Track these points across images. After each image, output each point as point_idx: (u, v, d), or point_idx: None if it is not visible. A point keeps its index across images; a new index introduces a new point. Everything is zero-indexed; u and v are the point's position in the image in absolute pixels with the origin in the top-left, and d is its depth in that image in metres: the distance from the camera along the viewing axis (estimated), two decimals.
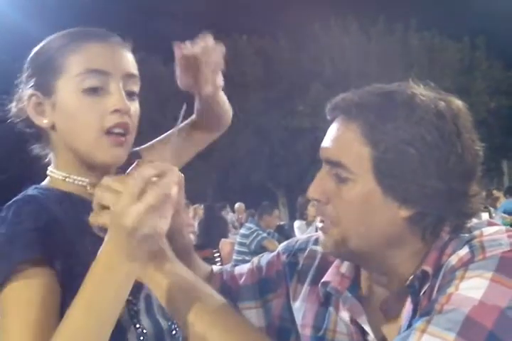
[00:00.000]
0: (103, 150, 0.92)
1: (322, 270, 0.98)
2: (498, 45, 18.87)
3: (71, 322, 0.75)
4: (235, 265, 1.15)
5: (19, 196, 0.92)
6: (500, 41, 18.88)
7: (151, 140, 1.18)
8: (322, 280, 0.95)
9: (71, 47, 0.92)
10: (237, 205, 10.50)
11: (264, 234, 5.36)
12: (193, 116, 1.21)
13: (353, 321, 0.91)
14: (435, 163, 0.79)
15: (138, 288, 0.93)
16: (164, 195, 0.71)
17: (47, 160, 1.01)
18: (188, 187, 0.88)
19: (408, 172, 0.79)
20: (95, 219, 0.77)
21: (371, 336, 0.89)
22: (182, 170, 0.86)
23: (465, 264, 0.77)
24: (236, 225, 9.07)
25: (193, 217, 7.99)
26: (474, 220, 0.86)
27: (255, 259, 1.10)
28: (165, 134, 1.19)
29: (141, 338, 0.93)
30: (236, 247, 5.49)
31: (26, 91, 0.94)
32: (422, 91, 0.84)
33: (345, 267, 0.95)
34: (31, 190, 0.93)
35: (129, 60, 0.95)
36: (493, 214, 6.14)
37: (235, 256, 5.41)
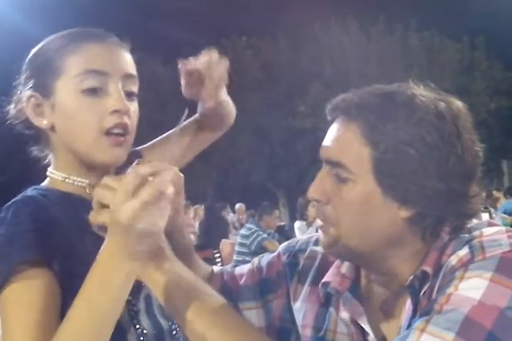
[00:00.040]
0: (102, 151, 0.92)
1: (322, 270, 0.98)
2: (498, 45, 18.84)
3: (72, 323, 0.75)
4: (236, 265, 1.14)
5: (18, 197, 0.92)
6: (500, 41, 18.84)
7: (151, 140, 1.19)
8: (322, 281, 0.95)
9: (69, 48, 0.92)
10: (237, 206, 10.48)
11: (265, 235, 5.37)
12: (197, 116, 1.21)
13: (353, 321, 0.91)
14: (435, 164, 0.79)
15: (138, 288, 0.93)
16: (159, 191, 0.71)
17: (46, 161, 1.01)
18: (188, 187, 0.88)
19: (408, 173, 0.80)
20: (95, 217, 0.77)
21: (371, 336, 0.89)
22: (182, 170, 0.86)
23: (465, 264, 0.77)
24: (236, 226, 9.05)
25: (194, 217, 7.99)
26: (474, 221, 0.86)
27: (255, 260, 1.10)
28: (166, 134, 1.19)
29: (141, 338, 0.93)
30: (236, 248, 5.49)
31: (25, 92, 0.94)
32: (422, 92, 0.84)
33: (345, 267, 0.95)
34: (30, 191, 0.93)
35: (127, 61, 0.95)
36: (493, 215, 6.13)
37: (235, 257, 5.41)
